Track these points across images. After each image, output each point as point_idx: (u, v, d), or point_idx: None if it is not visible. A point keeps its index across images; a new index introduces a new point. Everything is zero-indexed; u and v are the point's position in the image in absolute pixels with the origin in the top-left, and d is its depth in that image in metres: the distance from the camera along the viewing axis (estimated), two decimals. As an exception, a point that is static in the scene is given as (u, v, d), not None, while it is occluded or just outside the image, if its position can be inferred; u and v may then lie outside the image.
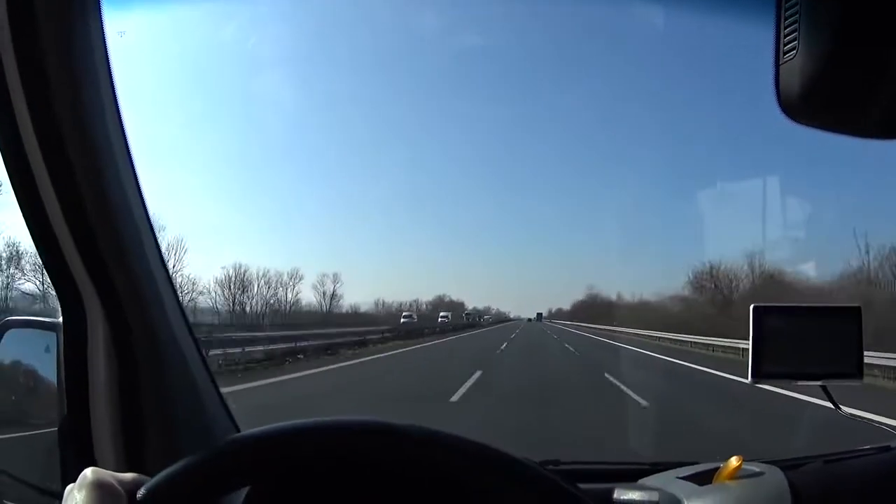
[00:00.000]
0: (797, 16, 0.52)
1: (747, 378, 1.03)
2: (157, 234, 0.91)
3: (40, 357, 0.96)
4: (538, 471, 0.67)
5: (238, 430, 0.94)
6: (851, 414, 1.15)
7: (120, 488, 0.61)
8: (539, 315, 65.90)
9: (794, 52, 0.52)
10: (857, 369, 1.02)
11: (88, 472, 0.61)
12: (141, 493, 0.61)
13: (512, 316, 69.56)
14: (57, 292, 0.88)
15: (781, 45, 0.53)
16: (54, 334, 0.92)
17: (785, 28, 0.53)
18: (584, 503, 0.67)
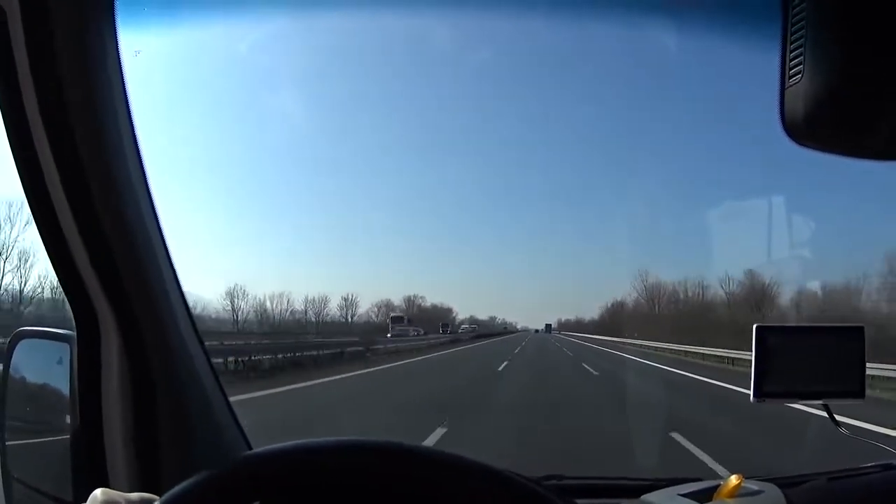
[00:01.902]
0: (803, 40, 0.52)
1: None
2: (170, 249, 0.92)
3: (53, 368, 0.97)
4: (534, 489, 0.68)
5: (248, 444, 0.95)
6: (852, 432, 1.15)
7: None
8: (548, 326, 60.32)
9: (800, 75, 0.53)
10: (860, 388, 1.03)
11: (98, 493, 0.63)
12: None
13: (519, 327, 64.26)
14: (71, 306, 0.89)
15: (787, 69, 0.54)
16: (67, 346, 0.93)
17: (791, 52, 0.54)
18: None
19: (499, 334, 47.79)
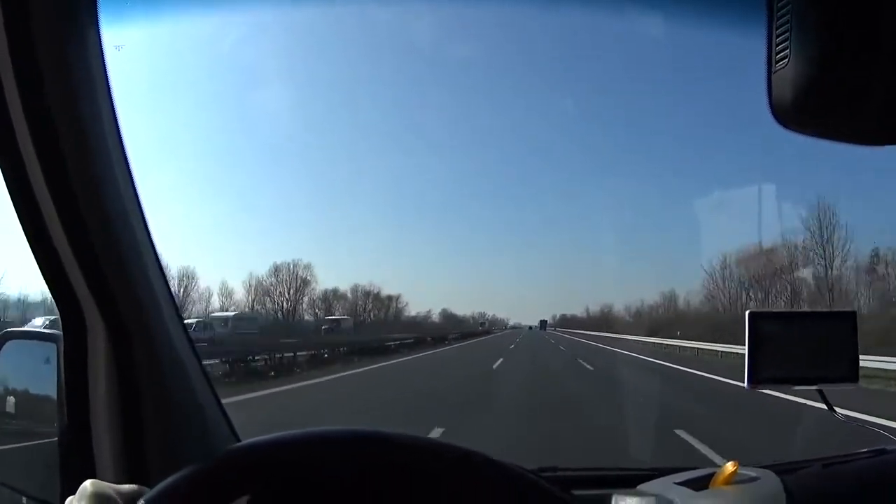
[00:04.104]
0: (788, 24, 0.53)
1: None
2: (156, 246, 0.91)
3: (40, 368, 0.96)
4: (530, 478, 0.68)
5: (238, 439, 0.94)
6: (847, 417, 1.15)
7: (119, 500, 0.62)
8: (542, 323, 60.44)
9: (787, 60, 0.53)
10: (853, 373, 1.03)
11: (88, 484, 0.62)
12: (141, 503, 0.62)
13: (511, 324, 62.65)
14: (57, 304, 0.88)
15: (773, 54, 0.54)
16: (54, 346, 0.93)
17: (777, 37, 0.54)
18: None
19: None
